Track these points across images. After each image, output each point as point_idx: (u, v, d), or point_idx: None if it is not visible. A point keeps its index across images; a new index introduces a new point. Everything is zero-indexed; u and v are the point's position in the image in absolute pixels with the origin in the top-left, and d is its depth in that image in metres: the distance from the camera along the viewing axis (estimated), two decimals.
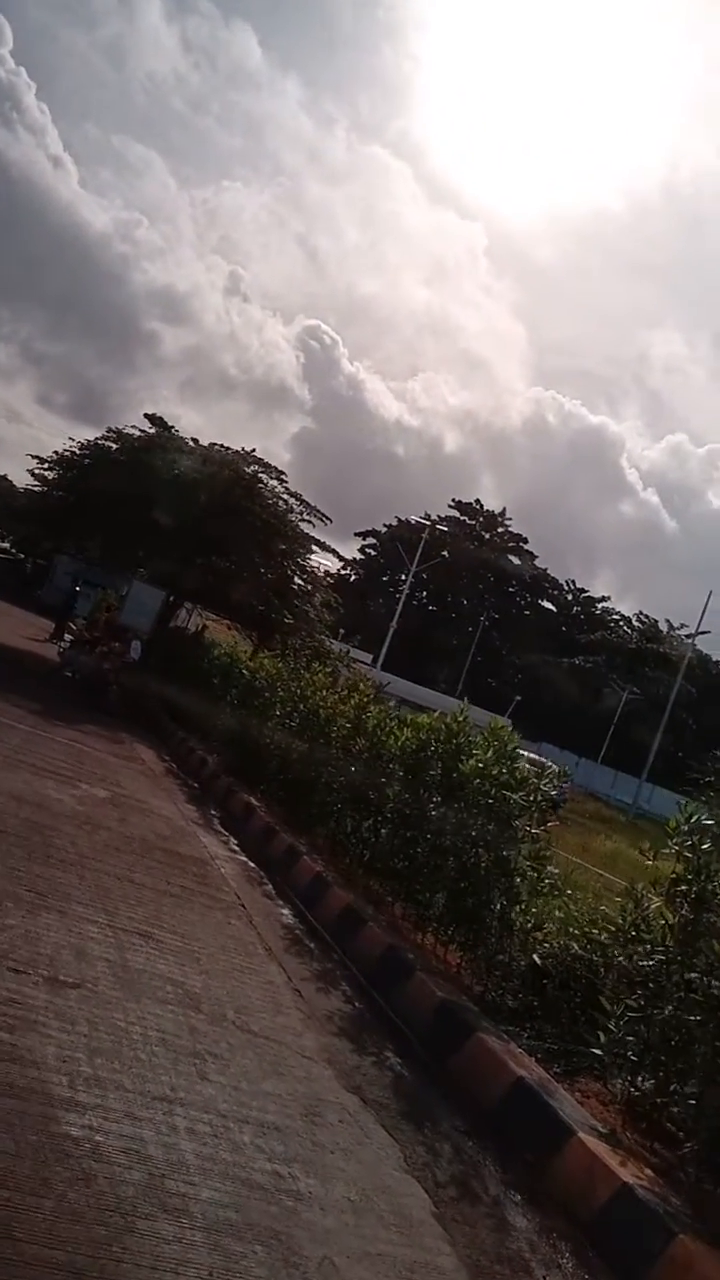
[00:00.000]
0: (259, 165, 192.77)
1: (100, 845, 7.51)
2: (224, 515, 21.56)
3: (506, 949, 6.47)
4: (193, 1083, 4.17)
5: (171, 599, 22.22)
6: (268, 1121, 4.10)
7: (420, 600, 74.16)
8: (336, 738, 9.69)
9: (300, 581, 22.74)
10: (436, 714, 8.16)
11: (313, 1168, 3.88)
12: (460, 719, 7.60)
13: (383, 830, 8.61)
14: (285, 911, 7.73)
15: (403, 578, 73.37)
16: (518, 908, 6.37)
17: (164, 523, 21.21)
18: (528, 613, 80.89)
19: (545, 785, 6.45)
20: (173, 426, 24.68)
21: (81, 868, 6.70)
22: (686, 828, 5.07)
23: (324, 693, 11.04)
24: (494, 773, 6.61)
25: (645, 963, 4.98)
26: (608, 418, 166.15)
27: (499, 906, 6.40)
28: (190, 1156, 3.57)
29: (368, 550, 77.85)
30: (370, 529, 77.26)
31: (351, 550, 74.67)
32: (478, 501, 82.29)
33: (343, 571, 66.08)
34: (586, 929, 6.62)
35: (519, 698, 60.70)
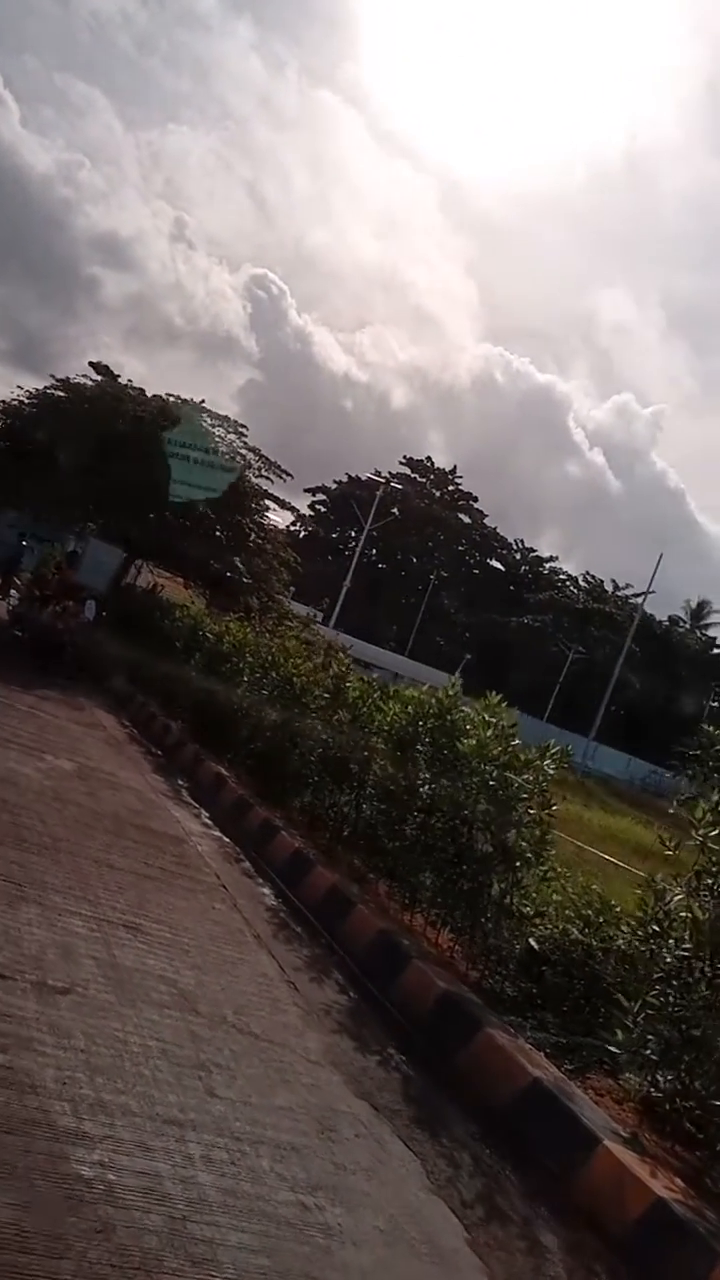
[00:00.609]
0: (207, 109, 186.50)
1: (72, 824, 7.11)
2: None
3: (502, 933, 6.24)
4: (202, 1101, 3.85)
5: (125, 556, 21.57)
6: (284, 1142, 3.80)
7: (370, 558, 73.70)
8: (314, 708, 9.34)
9: (259, 540, 22.19)
10: (425, 687, 7.85)
11: (338, 1194, 3.60)
12: (452, 693, 7.30)
13: (364, 806, 8.33)
14: (267, 892, 7.42)
15: (353, 534, 72.92)
16: (519, 894, 6.12)
17: (115, 476, 20.51)
18: (477, 571, 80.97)
19: (548, 765, 6.18)
20: (118, 375, 23.84)
21: (56, 851, 6.31)
22: (711, 817, 4.83)
23: (297, 660, 10.67)
24: (494, 752, 6.32)
25: (669, 958, 4.75)
26: (556, 376, 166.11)
27: (498, 891, 6.15)
28: (211, 1192, 3.26)
29: (318, 506, 77.08)
30: (320, 485, 76.40)
31: (301, 506, 73.85)
32: (428, 459, 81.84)
33: (292, 528, 65.31)
34: (584, 912, 6.43)
35: (469, 656, 60.84)
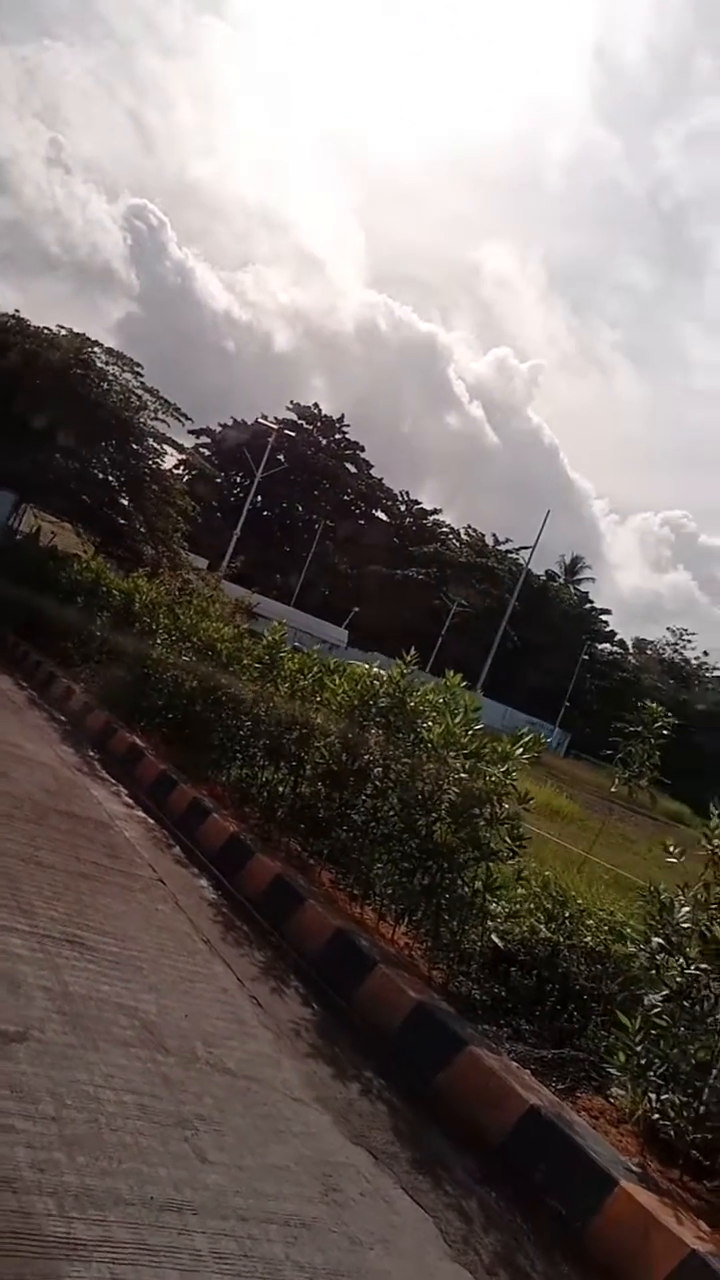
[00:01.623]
0: (89, 28, 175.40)
1: None
2: (66, 406, 19.64)
3: (469, 933, 5.89)
4: (194, 1172, 3.33)
5: (15, 500, 20.22)
6: (290, 1215, 3.33)
7: (254, 505, 72.35)
8: (244, 678, 8.74)
9: (155, 487, 21.14)
10: (376, 664, 7.37)
11: (360, 1278, 3.16)
12: (405, 673, 6.84)
13: (303, 785, 7.83)
14: (204, 884, 6.87)
15: (239, 479, 71.35)
16: (492, 893, 5.76)
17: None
18: (362, 522, 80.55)
19: (521, 753, 5.79)
20: None
21: None
22: None
23: (218, 625, 10.02)
24: (464, 741, 5.90)
25: (677, 976, 4.45)
26: (438, 327, 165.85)
27: (468, 889, 5.78)
28: None
29: (201, 450, 74.89)
30: (204, 428, 74.19)
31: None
32: (316, 406, 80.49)
33: (176, 470, 63.29)
34: (547, 905, 6.15)
35: (356, 609, 60.66)
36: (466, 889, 5.80)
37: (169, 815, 8.22)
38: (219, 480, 71.45)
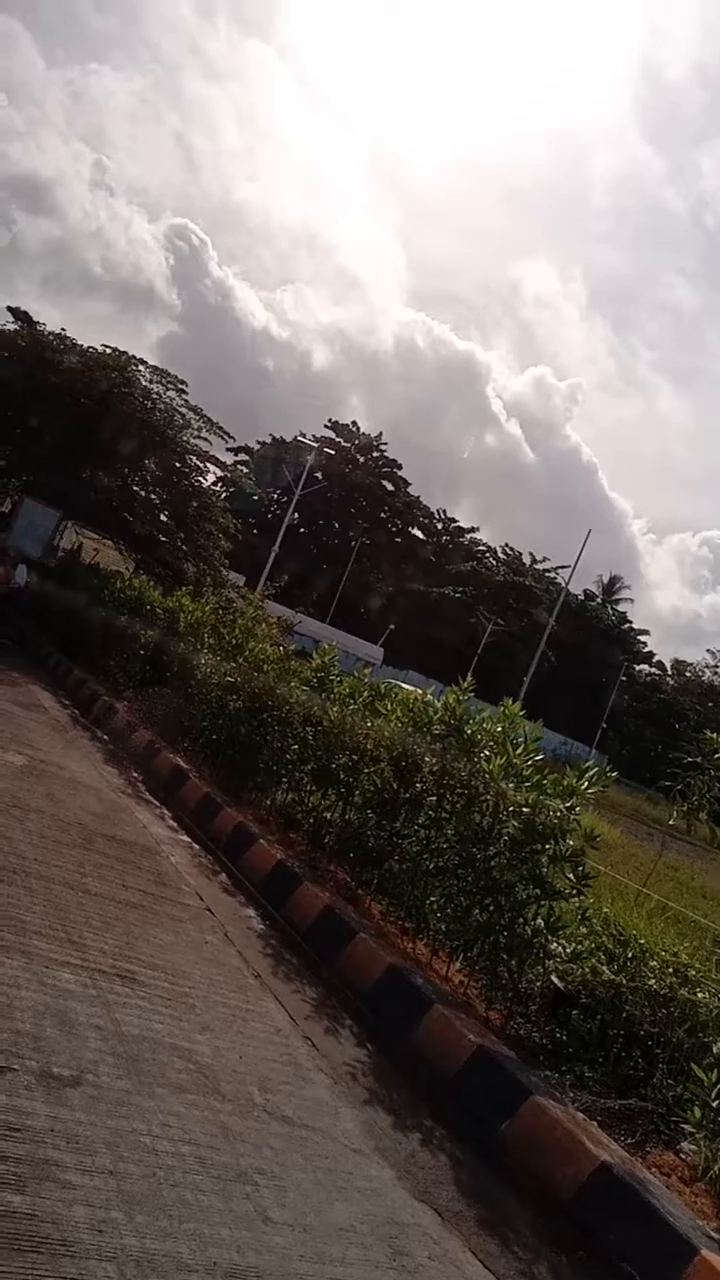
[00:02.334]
0: (136, 52, 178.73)
1: (37, 837, 6.29)
2: (112, 425, 19.70)
3: (528, 974, 5.67)
4: (258, 1233, 3.16)
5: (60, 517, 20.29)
6: None
7: (292, 521, 72.56)
8: (290, 700, 8.59)
9: (198, 505, 21.15)
10: (431, 690, 7.19)
11: None
12: (464, 700, 6.66)
13: (350, 812, 7.66)
14: (252, 914, 6.71)
15: (275, 497, 71.56)
16: (555, 933, 5.54)
17: (47, 430, 19.23)
18: (399, 540, 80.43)
19: (586, 787, 5.58)
20: (39, 323, 22.34)
21: (27, 875, 5.49)
22: None
23: (264, 645, 9.90)
24: (526, 773, 5.70)
25: None
26: (477, 345, 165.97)
27: (530, 929, 5.56)
28: None
29: (240, 467, 75.23)
30: (243, 445, 74.54)
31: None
32: (354, 424, 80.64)
33: (214, 489, 63.60)
34: (608, 944, 5.92)
35: (392, 627, 60.49)
36: (527, 928, 5.59)
37: (214, 840, 8.07)
38: (256, 497, 71.76)
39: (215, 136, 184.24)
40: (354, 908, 6.77)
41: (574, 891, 5.54)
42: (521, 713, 6.34)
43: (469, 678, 6.82)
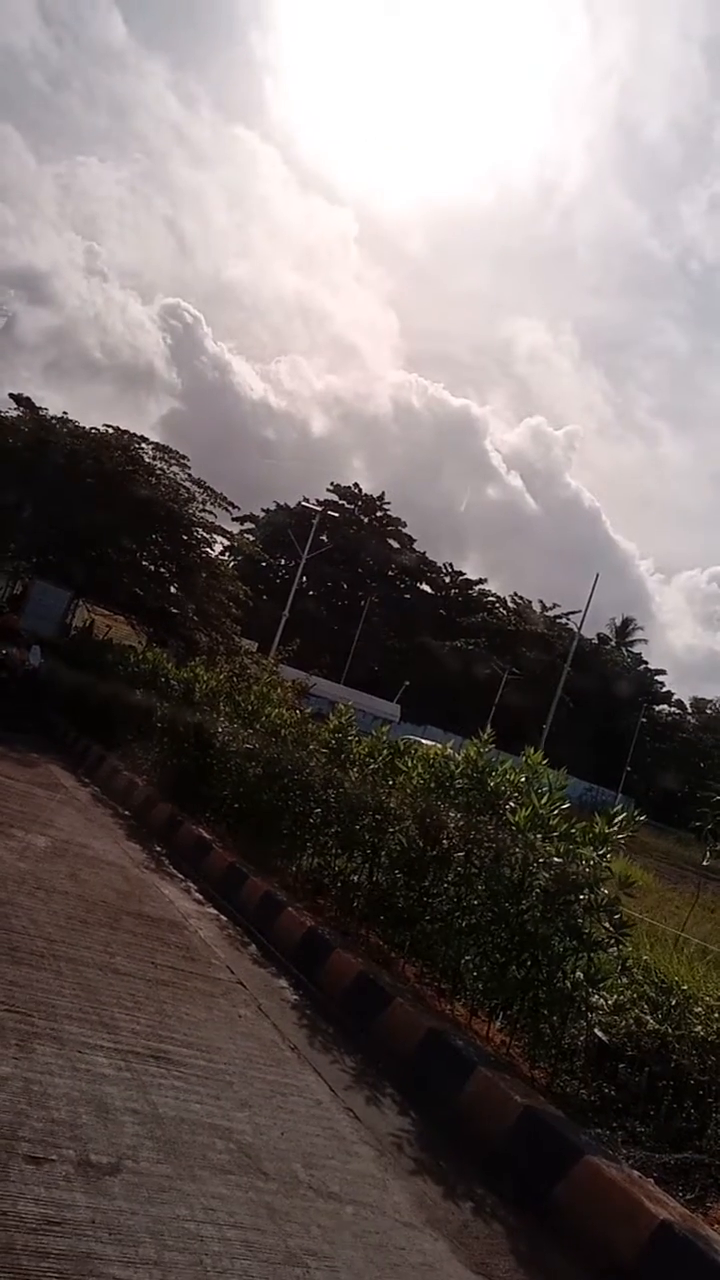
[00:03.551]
0: (124, 144, 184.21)
1: (64, 919, 6.23)
2: (117, 503, 19.95)
3: (568, 1026, 5.54)
4: None
5: (71, 596, 20.46)
6: None
7: (300, 585, 72.99)
8: (310, 764, 8.55)
9: (207, 576, 21.31)
10: (450, 744, 7.15)
11: None
12: (485, 751, 6.62)
13: (378, 874, 7.57)
14: (285, 984, 6.60)
15: (283, 562, 72.08)
16: (596, 986, 5.42)
17: (55, 512, 19.47)
18: (408, 596, 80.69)
19: (615, 833, 5.50)
20: (42, 408, 22.73)
21: (55, 959, 5.42)
22: None
23: (281, 710, 9.89)
24: (553, 823, 5.63)
25: None
26: (471, 401, 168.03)
27: (567, 983, 5.45)
28: None
29: (246, 535, 75.91)
30: (248, 514, 75.36)
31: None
32: (356, 485, 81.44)
33: (221, 558, 64.05)
34: (650, 993, 5.78)
35: (408, 683, 60.38)
36: (566, 982, 5.47)
37: (241, 910, 7.97)
38: (264, 564, 72.34)
39: (204, 218, 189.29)
40: (388, 971, 6.66)
41: (612, 941, 5.43)
42: (544, 761, 6.29)
43: (489, 729, 6.78)
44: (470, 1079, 5.22)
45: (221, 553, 33.78)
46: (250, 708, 10.30)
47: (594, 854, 5.40)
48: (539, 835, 5.69)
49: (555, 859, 5.46)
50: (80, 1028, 4.61)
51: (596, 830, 5.49)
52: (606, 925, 5.41)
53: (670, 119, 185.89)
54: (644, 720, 79.81)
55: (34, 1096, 3.79)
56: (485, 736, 6.73)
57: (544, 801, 5.77)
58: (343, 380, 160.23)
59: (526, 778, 6.23)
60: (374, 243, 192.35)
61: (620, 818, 5.55)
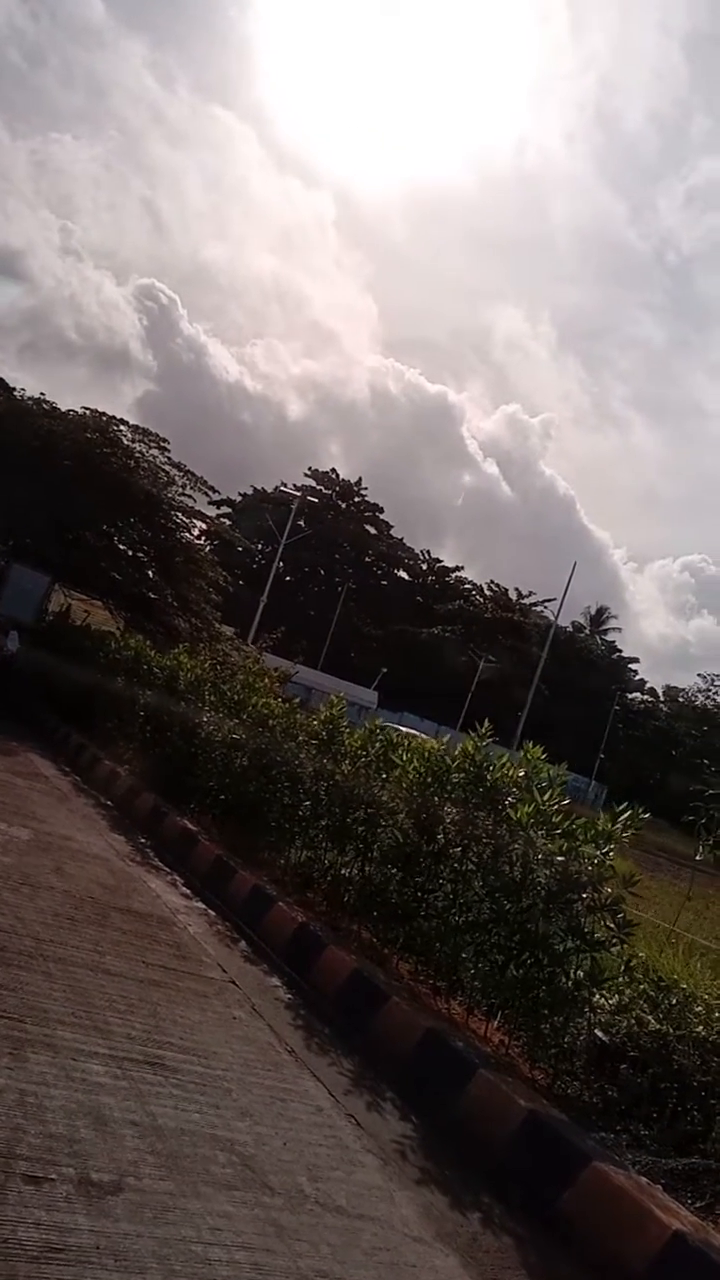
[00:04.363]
0: (100, 122, 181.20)
1: (50, 915, 6.05)
2: (96, 486, 19.61)
3: (573, 1029, 5.44)
4: None
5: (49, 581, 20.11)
6: None
7: (278, 570, 72.63)
8: (299, 754, 8.39)
9: (186, 561, 21.03)
10: (447, 739, 7.01)
11: None
12: (481, 745, 6.49)
13: (369, 868, 7.44)
14: (277, 983, 6.46)
15: (260, 547, 71.64)
16: (599, 986, 5.32)
17: (32, 495, 19.11)
18: (385, 582, 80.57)
19: (619, 830, 5.39)
20: (16, 389, 22.27)
21: (44, 959, 5.26)
22: None
23: (268, 700, 9.72)
24: (555, 820, 5.51)
25: None
26: (448, 388, 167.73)
27: (568, 983, 5.34)
28: None
29: (223, 520, 75.34)
30: (225, 498, 74.75)
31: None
32: (333, 471, 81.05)
33: (198, 542, 63.54)
34: (649, 991, 5.69)
35: (385, 670, 60.28)
36: (568, 981, 5.37)
37: (230, 904, 7.82)
38: (240, 550, 71.92)
39: (181, 199, 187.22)
40: (382, 969, 6.53)
41: (615, 941, 5.33)
42: (543, 755, 6.18)
43: (486, 724, 6.64)
44: (471, 1081, 5.10)
45: (198, 537, 33.45)
46: (236, 697, 10.12)
47: (597, 852, 5.29)
48: (541, 832, 5.57)
49: (558, 857, 5.34)
50: (74, 1033, 4.46)
51: (600, 827, 5.37)
52: (610, 924, 5.31)
53: (649, 112, 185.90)
54: (617, 708, 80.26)
55: (30, 1109, 3.63)
56: (482, 731, 6.60)
57: (546, 798, 5.65)
58: (320, 365, 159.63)
59: (526, 772, 6.10)
60: (353, 227, 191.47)
61: (625, 815, 5.44)
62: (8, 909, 5.89)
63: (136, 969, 5.68)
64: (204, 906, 7.75)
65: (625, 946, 5.47)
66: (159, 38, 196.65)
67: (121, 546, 21.58)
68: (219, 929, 7.27)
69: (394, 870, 7.00)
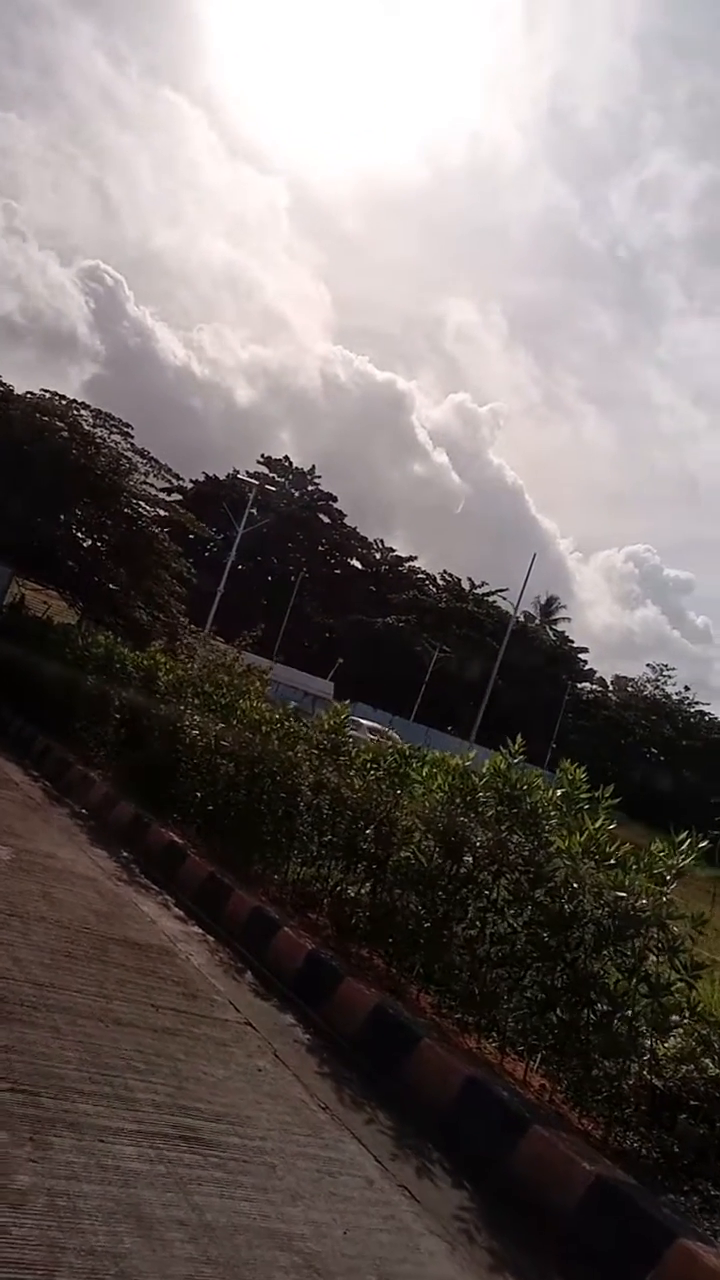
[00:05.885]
0: (48, 102, 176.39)
1: (48, 954, 5.48)
2: (54, 472, 18.80)
3: (630, 1079, 5.02)
4: None
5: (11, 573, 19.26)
6: None
7: (230, 558, 71.55)
8: (305, 768, 7.86)
9: (149, 551, 20.28)
10: (472, 755, 6.54)
11: None
12: (515, 760, 6.04)
13: (381, 890, 6.96)
14: (293, 1021, 5.95)
15: (213, 534, 70.59)
16: (663, 1034, 4.89)
17: None
18: (338, 571, 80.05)
19: (681, 861, 4.97)
20: None
21: (48, 1010, 4.70)
22: None
23: (257, 703, 9.18)
24: (608, 850, 5.07)
25: None
26: (396, 375, 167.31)
27: (627, 1029, 4.91)
28: None
29: (175, 506, 74.08)
30: (176, 485, 73.53)
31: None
32: (286, 458, 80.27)
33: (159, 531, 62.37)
34: (713, 1038, 5.28)
35: (341, 660, 59.80)
36: (624, 1026, 4.94)
37: (229, 929, 7.29)
38: (191, 536, 70.79)
39: (131, 181, 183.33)
40: (402, 1002, 6.07)
41: (685, 985, 4.90)
42: (523, 753, 5.78)
43: (518, 740, 6.18)
44: (524, 1139, 4.66)
45: (157, 526, 32.61)
46: (223, 700, 9.56)
47: (658, 888, 4.86)
48: (591, 863, 5.13)
49: (619, 893, 4.90)
50: (95, 1105, 3.92)
51: (665, 861, 4.94)
52: (677, 967, 4.88)
53: (601, 109, 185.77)
54: (568, 698, 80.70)
55: (64, 1216, 3.09)
56: (515, 747, 6.13)
57: (597, 825, 5.21)
58: (272, 352, 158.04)
59: (564, 794, 5.67)
60: (306, 214, 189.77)
61: (686, 843, 5.01)
62: (2, 948, 5.30)
63: (147, 1015, 5.14)
64: (202, 932, 7.21)
65: (694, 991, 5.03)
66: (109, 17, 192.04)
67: (80, 535, 20.79)
68: (221, 957, 6.74)
69: (413, 894, 6.53)
